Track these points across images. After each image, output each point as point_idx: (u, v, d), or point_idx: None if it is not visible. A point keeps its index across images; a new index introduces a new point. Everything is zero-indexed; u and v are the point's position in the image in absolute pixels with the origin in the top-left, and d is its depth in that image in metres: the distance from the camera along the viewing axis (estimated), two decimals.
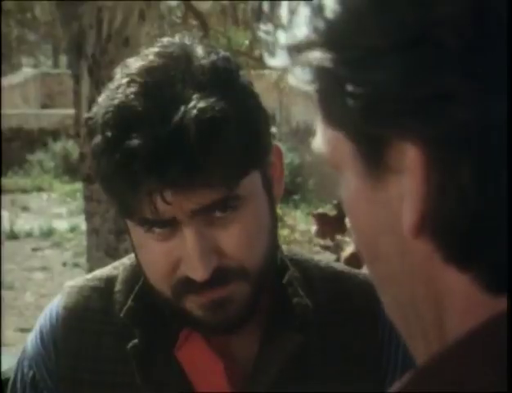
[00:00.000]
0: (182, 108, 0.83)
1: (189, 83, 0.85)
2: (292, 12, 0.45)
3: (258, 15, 0.48)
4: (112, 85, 0.90)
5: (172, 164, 0.81)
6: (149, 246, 0.90)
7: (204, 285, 0.88)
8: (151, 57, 0.89)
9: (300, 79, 0.46)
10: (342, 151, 0.47)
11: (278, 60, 0.47)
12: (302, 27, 0.45)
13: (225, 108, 0.84)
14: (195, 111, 0.82)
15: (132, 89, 0.86)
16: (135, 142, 0.82)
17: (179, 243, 0.88)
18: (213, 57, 0.89)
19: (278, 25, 0.46)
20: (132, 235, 0.94)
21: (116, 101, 0.86)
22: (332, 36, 0.43)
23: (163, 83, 0.86)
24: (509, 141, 0.40)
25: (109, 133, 0.85)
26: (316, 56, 0.44)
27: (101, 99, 0.90)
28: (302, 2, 0.45)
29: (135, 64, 0.89)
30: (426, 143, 0.42)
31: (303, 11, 0.44)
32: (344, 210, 0.50)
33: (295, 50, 0.46)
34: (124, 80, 0.88)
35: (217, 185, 0.84)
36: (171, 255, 0.89)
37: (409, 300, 0.47)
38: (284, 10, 0.46)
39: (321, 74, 0.45)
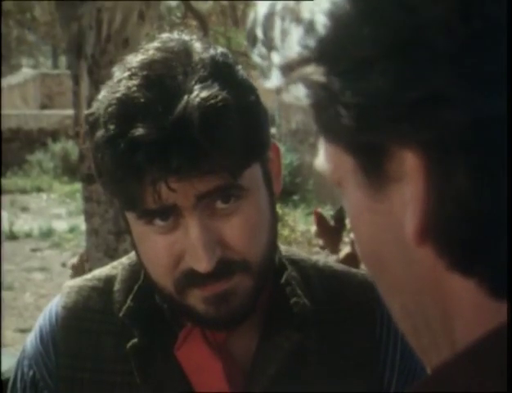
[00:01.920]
0: (185, 97, 0.83)
1: (190, 75, 0.86)
2: (285, 33, 0.45)
3: (253, 41, 0.47)
4: (111, 81, 0.90)
5: (177, 152, 0.82)
6: (151, 241, 0.90)
7: (208, 277, 0.88)
8: (152, 52, 0.89)
9: (296, 96, 0.46)
10: (342, 166, 0.47)
11: (273, 81, 0.47)
12: (295, 47, 0.44)
13: (227, 97, 0.85)
14: (198, 100, 0.83)
15: (134, 82, 0.86)
16: (139, 131, 0.82)
17: (182, 236, 0.88)
18: (212, 52, 0.90)
19: (272, 47, 0.46)
20: (133, 231, 0.94)
21: (118, 94, 0.86)
22: (323, 50, 0.43)
23: (165, 76, 0.86)
24: (509, 141, 0.40)
25: (112, 126, 0.85)
26: (309, 71, 0.44)
27: (101, 95, 0.90)
28: (293, 23, 0.45)
29: (135, 58, 0.90)
30: (423, 148, 0.42)
31: (296, 32, 0.44)
32: (349, 224, 0.50)
33: (288, 68, 0.45)
34: (126, 74, 0.88)
35: (222, 171, 0.85)
36: (173, 247, 0.89)
37: (417, 310, 0.47)
38: (277, 32, 0.46)
39: (314, 88, 0.45)
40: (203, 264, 0.87)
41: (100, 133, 0.87)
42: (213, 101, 0.83)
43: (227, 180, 0.86)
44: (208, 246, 0.87)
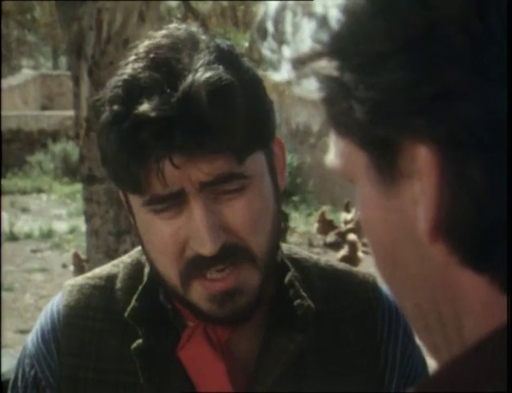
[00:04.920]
0: (190, 76, 0.84)
1: (196, 59, 0.86)
2: (296, 27, 0.45)
3: (263, 34, 0.48)
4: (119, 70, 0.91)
5: (181, 129, 0.82)
6: (156, 228, 0.90)
7: (213, 261, 0.88)
8: (159, 38, 0.90)
9: (307, 90, 0.46)
10: (354, 162, 0.47)
11: (283, 75, 0.47)
12: (306, 41, 0.45)
13: (232, 79, 0.85)
14: (203, 78, 0.83)
15: (140, 64, 0.87)
16: (144, 108, 0.83)
17: (186, 221, 0.88)
18: (218, 41, 0.91)
19: (282, 41, 0.46)
20: (137, 220, 0.93)
21: (124, 76, 0.87)
22: (337, 44, 0.43)
23: (171, 59, 0.87)
24: (509, 139, 0.40)
25: (117, 106, 0.86)
26: (322, 65, 0.44)
27: (108, 83, 0.91)
28: (305, 17, 0.45)
29: (142, 44, 0.90)
30: (436, 143, 0.41)
31: (307, 26, 0.45)
32: (360, 221, 0.50)
33: (300, 62, 0.45)
34: (132, 58, 0.89)
35: (226, 151, 0.85)
36: (178, 234, 0.89)
37: (430, 307, 0.46)
38: (288, 26, 0.46)
39: (327, 82, 0.45)
40: (208, 247, 0.87)
41: (105, 114, 0.87)
42: (218, 80, 0.84)
43: (232, 166, 0.86)
44: (213, 229, 0.87)
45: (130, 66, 0.88)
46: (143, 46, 0.90)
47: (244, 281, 0.90)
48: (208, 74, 0.84)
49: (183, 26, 0.93)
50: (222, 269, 0.89)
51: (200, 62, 0.86)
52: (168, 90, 0.83)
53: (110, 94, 0.87)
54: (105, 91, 0.90)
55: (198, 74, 0.84)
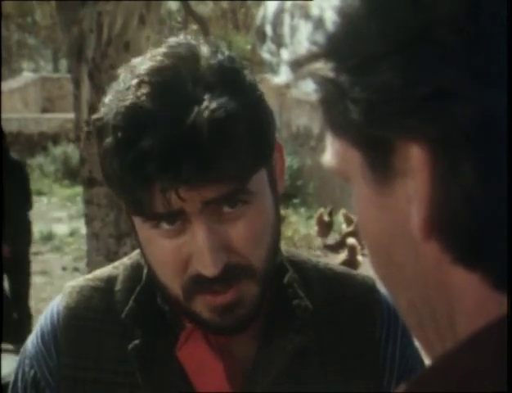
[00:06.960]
0: (195, 109, 0.83)
1: (199, 83, 0.86)
2: (294, 30, 0.46)
3: (263, 38, 0.48)
4: (119, 86, 0.90)
5: (186, 164, 0.82)
6: (158, 244, 0.90)
7: (215, 282, 0.88)
8: (160, 58, 0.89)
9: (304, 92, 0.47)
10: (350, 161, 0.47)
11: (282, 77, 0.48)
12: (304, 43, 0.45)
13: (236, 108, 0.85)
14: (207, 112, 0.83)
15: (143, 90, 0.86)
16: (148, 142, 0.82)
17: (189, 240, 0.88)
18: (220, 57, 0.90)
19: (281, 44, 0.47)
20: (139, 234, 0.94)
21: (127, 102, 0.86)
22: (333, 46, 0.44)
23: (174, 84, 0.86)
24: (509, 139, 0.41)
25: (121, 135, 0.85)
26: (318, 66, 0.45)
27: (109, 99, 0.90)
28: (302, 20, 0.45)
29: (143, 65, 0.89)
30: (429, 143, 0.42)
31: (305, 28, 0.45)
32: (356, 218, 0.50)
33: (297, 64, 0.46)
34: (134, 81, 0.87)
35: (231, 180, 0.85)
36: (181, 251, 0.89)
37: (424, 304, 0.47)
38: (286, 28, 0.47)
39: (323, 84, 0.45)
40: (209, 269, 0.87)
41: (108, 140, 0.87)
42: (222, 113, 0.83)
43: (235, 186, 0.86)
44: (215, 251, 0.87)
45: (133, 92, 0.86)
46: (145, 68, 0.88)
47: (244, 294, 0.91)
48: (212, 106, 0.83)
49: (183, 40, 0.91)
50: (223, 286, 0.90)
51: (204, 88, 0.85)
52: (173, 122, 0.83)
53: (113, 121, 0.86)
54: (107, 111, 0.88)
55: (202, 107, 0.83)
